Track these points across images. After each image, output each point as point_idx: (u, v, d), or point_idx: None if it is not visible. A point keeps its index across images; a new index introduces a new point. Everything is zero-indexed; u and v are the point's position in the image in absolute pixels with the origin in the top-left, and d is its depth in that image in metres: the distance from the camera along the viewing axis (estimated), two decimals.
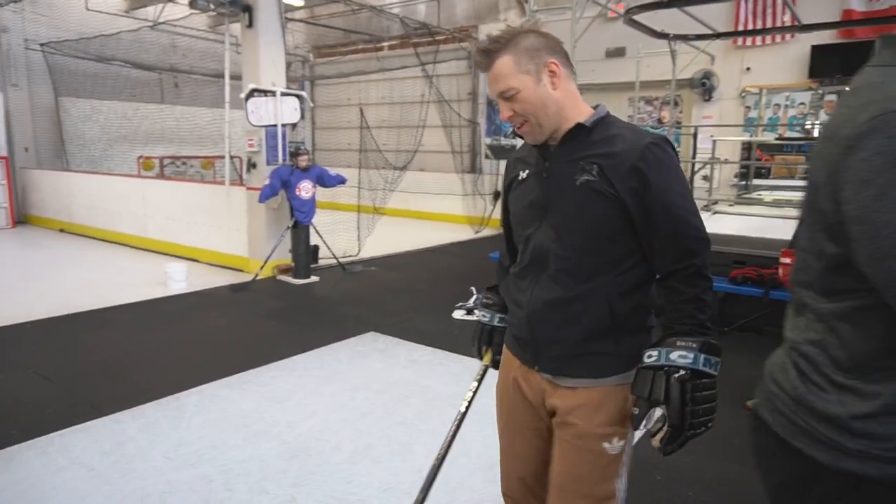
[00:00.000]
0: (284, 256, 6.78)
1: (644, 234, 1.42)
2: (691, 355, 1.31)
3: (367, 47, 12.41)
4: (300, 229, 6.45)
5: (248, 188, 6.81)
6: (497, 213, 11.16)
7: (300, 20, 12.51)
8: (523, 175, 1.56)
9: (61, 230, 10.02)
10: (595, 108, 1.49)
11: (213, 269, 7.16)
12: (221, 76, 12.69)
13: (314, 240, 6.73)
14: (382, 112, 12.22)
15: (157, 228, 8.24)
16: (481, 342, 1.80)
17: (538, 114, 1.43)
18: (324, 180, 6.48)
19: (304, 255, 6.52)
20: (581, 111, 1.46)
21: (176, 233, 7.93)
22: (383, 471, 2.82)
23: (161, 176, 11.14)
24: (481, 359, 1.81)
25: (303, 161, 6.29)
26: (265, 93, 6.37)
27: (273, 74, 6.49)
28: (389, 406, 3.52)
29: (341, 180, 6.68)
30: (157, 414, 3.36)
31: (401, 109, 11.19)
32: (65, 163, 11.12)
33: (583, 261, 1.44)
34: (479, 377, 1.79)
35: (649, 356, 1.36)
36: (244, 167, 6.92)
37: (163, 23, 9.93)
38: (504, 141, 11.35)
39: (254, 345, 4.61)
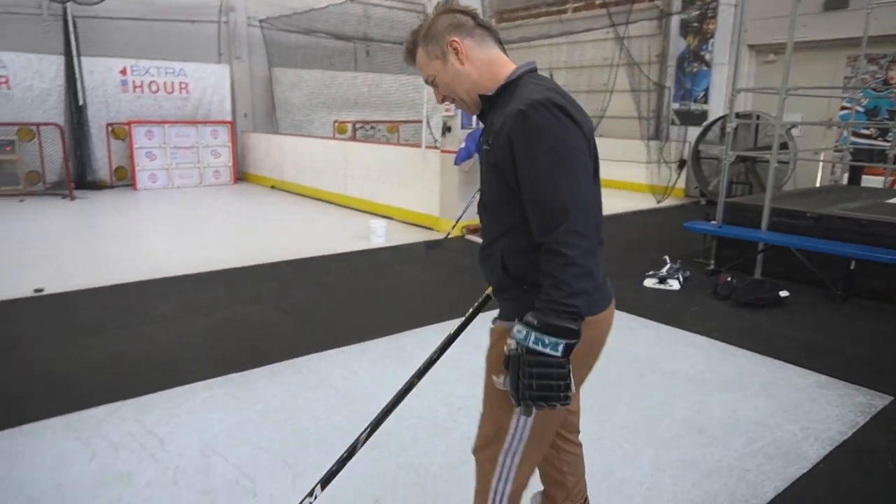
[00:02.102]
0: (472, 217, 7.09)
1: (518, 198, 1.46)
2: (524, 332, 1.35)
3: (551, 10, 12.26)
4: None
5: (443, 151, 7.20)
6: (681, 183, 10.63)
7: None
8: None
9: (272, 187, 11.34)
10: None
11: (406, 226, 7.71)
12: None
13: None
14: (560, 77, 12.06)
15: (357, 187, 9.02)
16: None
17: (456, 90, 1.56)
18: None
19: None
20: (497, 77, 1.53)
21: (373, 192, 8.63)
22: (590, 422, 2.94)
23: (354, 138, 12.06)
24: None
25: None
26: None
27: None
28: None
29: None
30: (381, 350, 3.80)
31: (580, 74, 10.97)
32: (275, 127, 12.49)
33: (491, 225, 1.58)
34: (478, 303, 1.88)
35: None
36: (439, 131, 7.28)
37: None
38: (693, 106, 10.69)
39: (453, 297, 4.96)
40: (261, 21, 11.96)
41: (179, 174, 11.20)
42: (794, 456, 2.66)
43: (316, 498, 1.91)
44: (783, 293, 4.82)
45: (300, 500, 1.93)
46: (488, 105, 1.56)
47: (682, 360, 3.72)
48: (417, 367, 1.91)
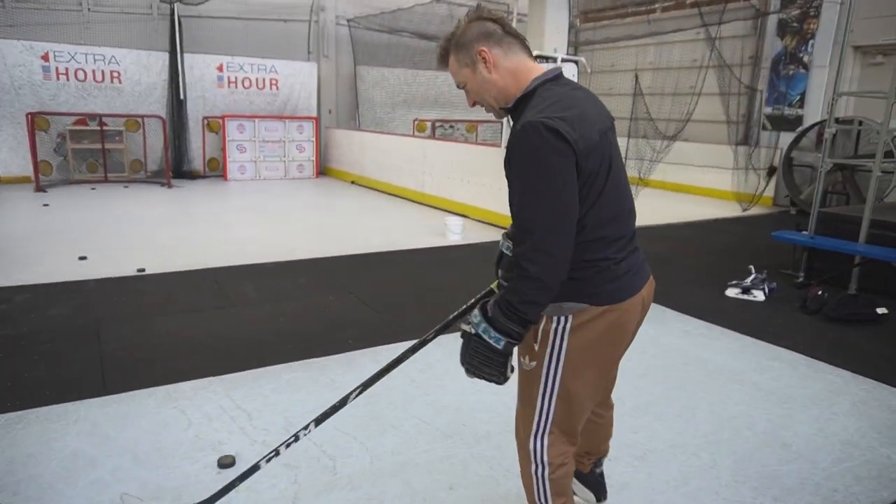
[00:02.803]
0: None
1: None
2: (478, 318, 1.58)
3: (638, 10, 11.98)
4: None
5: None
6: (770, 191, 10.15)
7: None
8: None
9: (352, 182, 11.68)
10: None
11: (481, 225, 7.77)
12: None
13: None
14: (645, 78, 11.76)
15: (434, 185, 9.16)
16: (495, 265, 1.96)
17: (485, 97, 1.67)
18: None
19: None
20: (522, 86, 1.62)
21: (451, 190, 8.74)
22: (668, 429, 2.91)
23: (433, 136, 12.23)
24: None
25: None
26: (546, 59, 6.61)
27: (556, 40, 6.70)
28: (667, 370, 3.57)
29: None
30: (455, 345, 3.84)
31: (667, 75, 10.66)
32: (357, 123, 12.86)
33: (517, 228, 1.59)
34: (479, 296, 2.00)
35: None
36: None
37: None
38: (787, 111, 10.18)
39: None
40: (349, 20, 12.34)
41: (266, 167, 11.73)
42: (888, 480, 2.53)
43: (310, 431, 2.12)
44: (881, 310, 4.54)
45: (296, 432, 2.10)
46: (512, 114, 1.67)
47: (765, 371, 3.58)
48: (413, 343, 2.17)
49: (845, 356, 3.84)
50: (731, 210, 9.59)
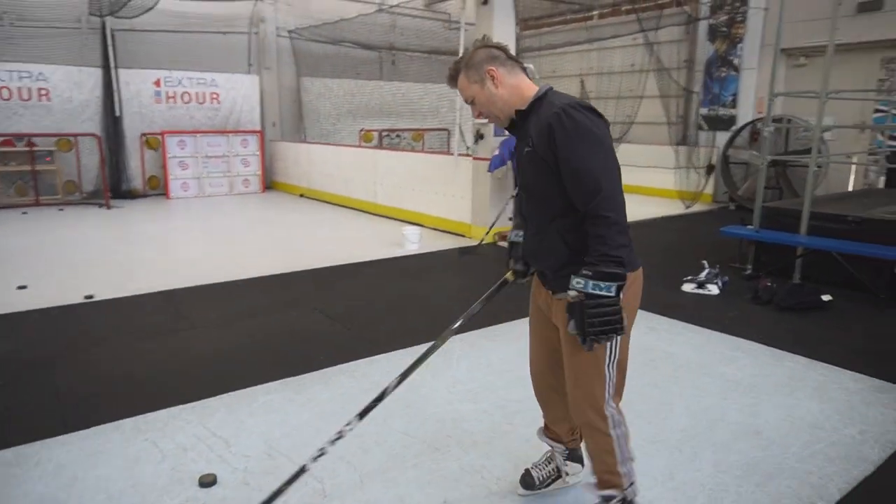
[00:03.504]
0: (504, 224, 7.13)
1: (562, 183, 1.84)
2: (583, 282, 1.76)
3: (576, 17, 12.28)
4: None
5: (475, 158, 7.25)
6: (710, 188, 10.57)
7: None
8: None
9: (301, 195, 11.48)
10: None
11: (437, 233, 7.77)
12: (433, 53, 13.46)
13: None
14: (590, 83, 12.06)
15: (387, 195, 9.11)
16: (508, 254, 2.33)
17: (492, 109, 1.98)
18: None
19: None
20: (524, 97, 1.94)
21: (404, 199, 8.71)
22: (647, 425, 2.97)
23: (380, 146, 12.16)
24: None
25: None
26: None
27: None
28: (638, 367, 3.64)
29: None
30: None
31: (611, 80, 10.96)
32: (303, 136, 12.66)
33: (542, 212, 1.96)
34: (496, 286, 2.31)
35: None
36: (471, 139, 7.35)
37: (395, 5, 10.78)
38: (722, 111, 10.64)
39: (494, 302, 4.98)
40: (290, 32, 12.15)
41: (210, 183, 11.39)
42: (856, 459, 2.66)
43: (353, 428, 2.23)
44: (826, 297, 4.79)
45: (340, 429, 2.21)
46: (522, 117, 1.95)
47: (730, 363, 3.72)
48: (443, 332, 2.34)
49: (801, 343, 4.02)
50: (674, 208, 9.93)
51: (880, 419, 3.02)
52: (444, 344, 2.31)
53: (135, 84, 10.71)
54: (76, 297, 4.97)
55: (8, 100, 9.74)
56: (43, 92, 9.99)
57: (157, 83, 10.97)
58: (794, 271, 5.49)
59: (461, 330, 2.31)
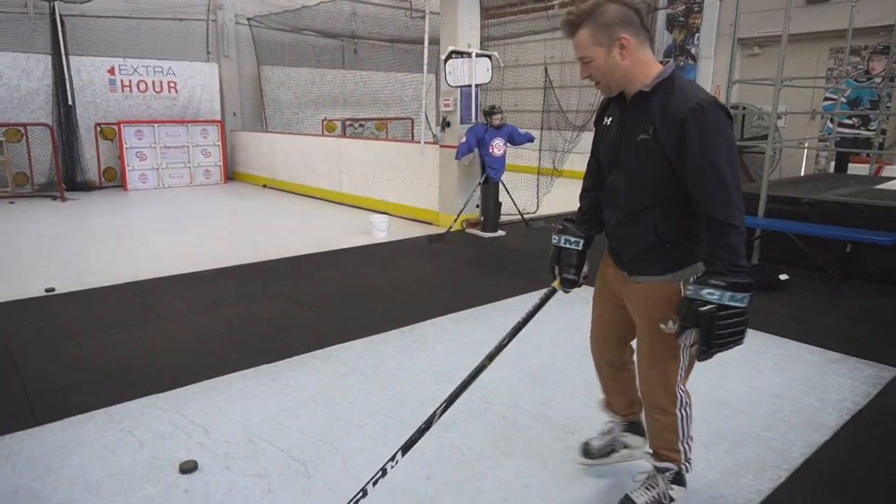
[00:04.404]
0: (471, 211, 7.19)
1: (682, 181, 1.75)
2: (717, 293, 1.68)
3: (537, 6, 12.36)
4: (490, 185, 6.81)
5: (442, 146, 7.27)
6: None
7: None
8: (608, 121, 1.96)
9: (264, 185, 11.31)
10: (664, 63, 1.78)
11: (405, 222, 7.78)
12: (395, 41, 13.37)
13: (501, 196, 7.06)
14: (553, 71, 12.18)
15: (352, 184, 9.06)
16: (552, 261, 2.19)
17: (607, 78, 1.79)
18: (514, 138, 6.75)
19: (494, 209, 6.88)
20: (648, 74, 1.76)
21: (370, 188, 8.68)
22: None
23: (344, 135, 12.07)
24: (554, 279, 2.20)
25: (497, 119, 6.59)
26: (462, 54, 6.71)
27: (469, 36, 6.81)
28: None
29: (530, 138, 6.91)
30: (404, 339, 3.87)
31: (574, 68, 11.08)
32: (264, 125, 12.46)
33: (641, 198, 1.86)
34: (543, 296, 2.19)
35: (688, 289, 1.74)
36: (435, 125, 7.36)
37: None
38: None
39: (464, 288, 5.05)
40: (249, 19, 11.92)
41: (170, 174, 11.13)
42: (816, 425, 2.80)
43: (397, 462, 2.05)
44: (783, 276, 4.99)
45: (383, 465, 2.05)
46: (641, 98, 1.78)
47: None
48: (489, 351, 2.17)
49: (760, 320, 4.17)
50: None
51: (836, 388, 3.18)
52: (488, 362, 2.18)
53: (87, 72, 10.36)
54: (37, 291, 4.82)
55: None
56: None
57: (112, 71, 10.63)
58: (752, 253, 5.69)
59: (499, 350, 2.20)
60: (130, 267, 5.53)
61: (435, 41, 7.22)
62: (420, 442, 2.62)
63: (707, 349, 1.73)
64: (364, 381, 3.26)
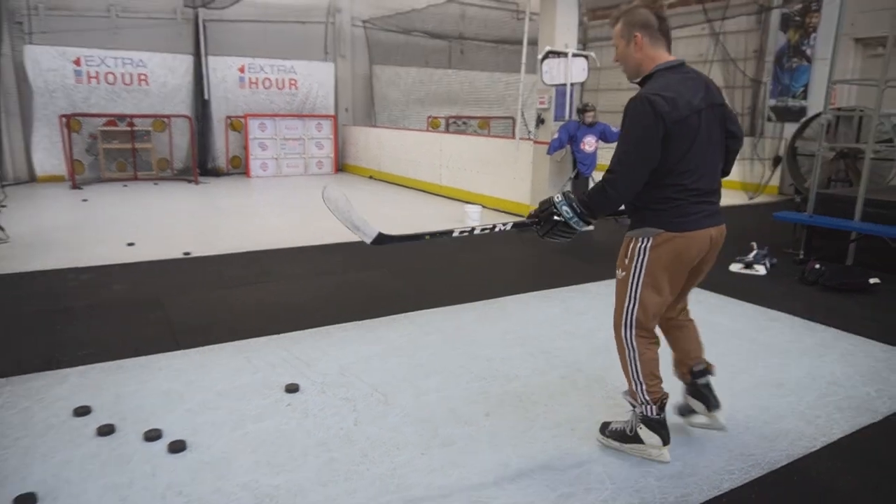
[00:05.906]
0: None
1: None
2: (570, 214, 2.26)
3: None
4: (581, 180, 7.05)
5: (536, 142, 7.60)
6: (775, 180, 10.48)
7: None
8: None
9: (370, 177, 12.11)
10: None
11: (498, 213, 8.17)
12: (501, 42, 13.77)
13: None
14: None
15: (451, 177, 9.58)
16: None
17: (624, 64, 2.33)
18: (607, 136, 6.95)
19: None
20: (649, 69, 2.24)
21: (466, 181, 9.15)
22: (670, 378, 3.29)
23: (447, 132, 12.62)
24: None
25: (589, 117, 6.83)
26: (558, 54, 7.01)
27: (567, 36, 7.09)
28: None
29: None
30: (486, 309, 4.29)
31: None
32: (373, 121, 13.30)
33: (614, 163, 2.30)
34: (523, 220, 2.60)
35: (557, 197, 2.30)
36: (533, 123, 7.70)
37: None
38: (791, 102, 10.51)
39: (546, 270, 5.39)
40: (364, 21, 12.78)
41: (287, 163, 12.19)
42: (865, 410, 2.91)
43: (429, 238, 2.59)
44: (873, 280, 4.90)
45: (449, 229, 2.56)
46: (641, 85, 2.30)
47: (764, 331, 3.96)
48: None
49: (837, 318, 4.21)
50: (737, 199, 9.92)
51: None
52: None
53: (221, 70, 11.60)
54: (176, 253, 5.68)
55: (113, 84, 10.79)
56: (142, 77, 11.00)
57: (242, 69, 11.83)
58: (847, 256, 5.58)
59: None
60: (251, 240, 6.33)
61: (534, 42, 7.56)
62: (487, 388, 3.03)
63: (541, 236, 2.34)
64: (444, 340, 3.70)
